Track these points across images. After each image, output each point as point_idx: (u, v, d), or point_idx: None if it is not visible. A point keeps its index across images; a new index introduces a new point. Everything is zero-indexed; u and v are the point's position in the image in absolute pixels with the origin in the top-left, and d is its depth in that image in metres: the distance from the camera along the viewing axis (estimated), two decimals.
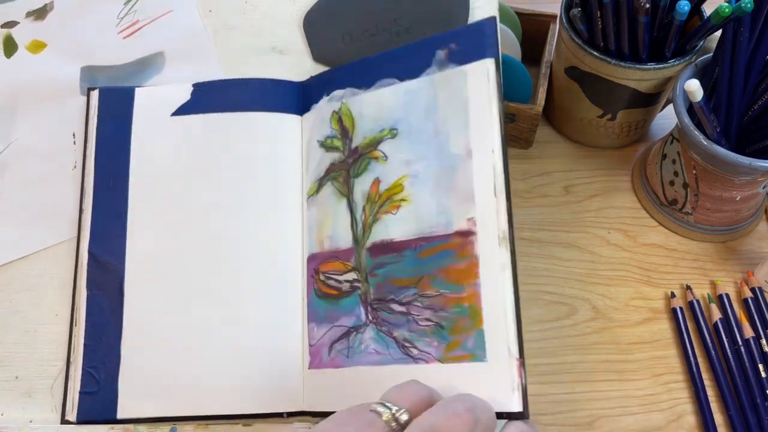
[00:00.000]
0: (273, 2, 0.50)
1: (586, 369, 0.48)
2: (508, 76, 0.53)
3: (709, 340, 0.48)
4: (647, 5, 0.45)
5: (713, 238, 0.53)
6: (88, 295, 0.43)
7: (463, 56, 0.40)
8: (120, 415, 0.40)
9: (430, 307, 0.37)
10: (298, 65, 0.48)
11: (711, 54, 0.49)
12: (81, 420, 0.41)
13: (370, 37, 0.48)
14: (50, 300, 0.44)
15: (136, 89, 0.47)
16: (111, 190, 0.44)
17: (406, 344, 0.37)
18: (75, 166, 0.46)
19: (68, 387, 0.41)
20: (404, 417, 0.28)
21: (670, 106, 0.51)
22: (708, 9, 0.48)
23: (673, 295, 0.50)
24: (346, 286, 0.40)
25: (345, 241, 0.41)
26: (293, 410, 0.40)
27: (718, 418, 0.45)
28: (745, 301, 0.49)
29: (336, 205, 0.42)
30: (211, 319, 0.41)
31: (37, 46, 0.50)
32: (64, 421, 0.41)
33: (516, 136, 0.57)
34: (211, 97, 0.46)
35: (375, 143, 0.41)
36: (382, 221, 0.40)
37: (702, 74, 0.49)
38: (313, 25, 0.48)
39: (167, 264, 0.43)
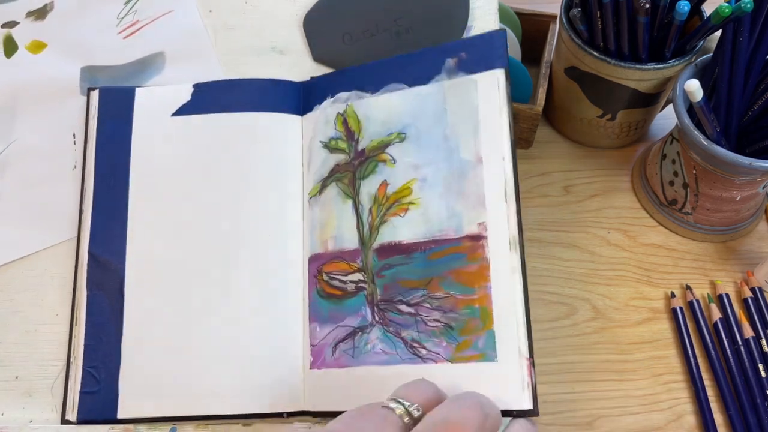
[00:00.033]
0: (273, 2, 0.50)
1: (586, 369, 0.48)
2: None
3: (708, 340, 0.48)
4: (647, 5, 0.45)
5: (713, 238, 0.53)
6: (88, 295, 0.43)
7: (472, 65, 0.41)
8: (120, 415, 0.40)
9: (440, 308, 0.38)
10: (298, 65, 0.48)
11: (711, 54, 0.49)
12: (81, 420, 0.41)
13: (370, 37, 0.48)
14: (50, 300, 0.44)
15: (137, 89, 0.47)
16: (111, 190, 0.44)
17: (415, 344, 0.38)
18: (75, 166, 0.46)
19: (68, 387, 0.41)
20: (417, 412, 0.29)
21: (670, 106, 0.51)
22: (708, 9, 0.48)
23: (673, 295, 0.50)
24: (351, 287, 0.40)
25: (350, 242, 0.41)
26: (293, 410, 0.40)
27: (718, 418, 0.45)
28: (745, 301, 0.49)
29: (341, 205, 0.42)
30: (211, 319, 0.41)
31: (37, 46, 0.50)
32: (64, 421, 0.41)
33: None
34: (211, 98, 0.46)
35: (383, 146, 0.42)
36: (390, 223, 0.40)
37: (702, 74, 0.50)
38: (313, 25, 0.49)
39: (167, 264, 0.43)
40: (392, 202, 0.41)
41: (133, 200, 0.44)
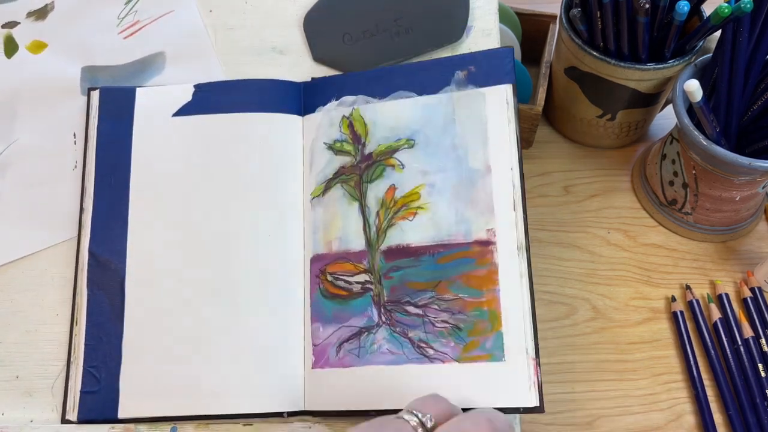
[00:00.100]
0: (273, 2, 0.50)
1: (586, 369, 0.48)
2: None
3: (708, 340, 0.48)
4: (647, 5, 0.45)
5: (713, 238, 0.53)
6: (88, 295, 0.43)
7: (481, 79, 0.43)
8: (121, 415, 0.40)
9: (448, 309, 0.39)
10: (298, 65, 0.48)
11: (710, 54, 0.49)
12: (82, 420, 0.41)
13: (370, 37, 0.48)
14: (51, 300, 0.44)
15: (137, 89, 0.47)
16: (112, 190, 0.44)
17: (422, 344, 0.39)
18: (75, 166, 0.47)
19: (69, 386, 0.41)
20: (430, 422, 0.30)
21: (670, 106, 0.51)
22: (707, 9, 0.49)
23: (674, 299, 0.50)
24: (357, 288, 0.41)
25: (356, 243, 0.41)
26: (293, 410, 0.40)
27: (718, 417, 0.45)
28: (745, 300, 0.50)
29: (347, 207, 0.42)
30: (212, 319, 0.41)
31: (37, 47, 0.50)
32: (64, 421, 0.41)
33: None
34: (212, 98, 0.46)
35: (391, 151, 0.43)
36: (398, 227, 0.41)
37: (701, 74, 0.50)
38: (313, 25, 0.49)
39: (168, 264, 0.43)
40: (400, 206, 0.42)
41: (133, 200, 0.44)
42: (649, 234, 0.54)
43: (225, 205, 0.43)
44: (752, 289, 0.50)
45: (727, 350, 0.47)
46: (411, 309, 0.39)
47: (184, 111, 0.46)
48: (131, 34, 0.50)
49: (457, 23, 0.47)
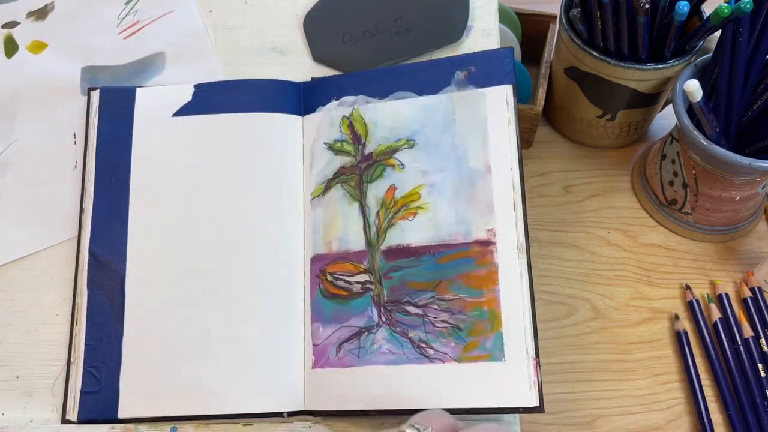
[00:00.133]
0: (273, 2, 0.50)
1: (586, 369, 0.48)
2: None
3: (708, 340, 0.48)
4: (647, 6, 0.45)
5: (713, 238, 0.53)
6: (88, 295, 0.43)
7: (481, 80, 0.43)
8: (121, 415, 0.40)
9: (448, 309, 0.39)
10: (299, 65, 0.48)
11: (710, 54, 0.49)
12: (82, 420, 0.41)
13: (370, 37, 0.48)
14: (51, 300, 0.44)
15: (137, 89, 0.47)
16: (112, 190, 0.44)
17: (422, 344, 0.39)
18: (75, 166, 0.47)
19: (69, 386, 0.41)
20: None
21: (670, 106, 0.51)
22: (707, 9, 0.49)
23: (677, 317, 0.49)
24: (357, 288, 0.41)
25: (357, 243, 0.41)
26: (293, 410, 0.40)
27: (718, 417, 0.45)
28: (745, 300, 0.50)
29: (347, 207, 0.42)
30: (212, 319, 0.41)
31: (37, 47, 0.50)
32: (64, 421, 0.41)
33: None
34: (212, 98, 0.46)
35: (391, 151, 0.43)
36: (398, 227, 0.41)
37: (701, 74, 0.50)
38: (313, 25, 0.49)
39: (168, 264, 0.43)
40: (400, 206, 0.42)
41: (133, 200, 0.44)
42: (649, 234, 0.54)
43: (225, 205, 0.43)
44: (752, 289, 0.50)
45: (727, 350, 0.47)
46: (411, 309, 0.39)
47: (184, 111, 0.46)
48: (131, 34, 0.50)
49: (457, 23, 0.47)
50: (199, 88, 0.46)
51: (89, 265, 0.43)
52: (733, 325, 0.48)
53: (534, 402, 0.36)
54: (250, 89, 0.46)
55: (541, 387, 0.36)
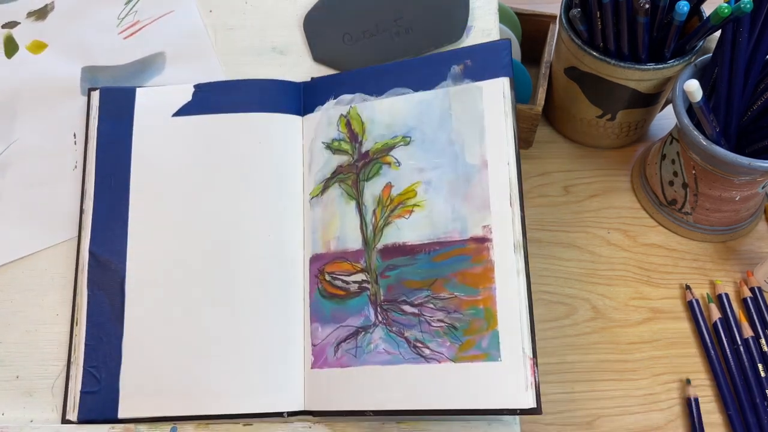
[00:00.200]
0: (273, 2, 0.50)
1: (586, 369, 0.48)
2: None
3: (708, 340, 0.48)
4: (647, 6, 0.45)
5: (713, 238, 0.53)
6: (88, 295, 0.43)
7: (478, 73, 0.42)
8: (121, 415, 0.40)
9: (444, 308, 0.38)
10: (298, 65, 0.48)
11: (710, 54, 0.49)
12: (82, 420, 0.41)
13: (370, 37, 0.48)
14: (51, 300, 0.44)
15: (137, 89, 0.47)
16: (112, 190, 0.44)
17: (418, 344, 0.38)
18: (75, 167, 0.47)
19: (69, 387, 0.41)
20: None
21: (670, 106, 0.51)
22: (707, 9, 0.49)
23: (689, 381, 0.46)
24: (354, 287, 0.41)
25: (354, 242, 0.41)
26: (293, 410, 0.40)
27: (718, 418, 0.45)
28: (745, 300, 0.50)
29: (344, 206, 0.42)
30: (212, 319, 0.41)
31: (37, 47, 0.50)
32: (64, 421, 0.41)
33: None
34: (212, 98, 0.46)
35: (387, 149, 0.42)
36: (394, 225, 0.41)
37: (701, 74, 0.50)
38: (313, 25, 0.49)
39: (168, 264, 0.43)
40: (396, 204, 0.41)
41: (133, 200, 0.44)
42: (649, 234, 0.54)
43: (225, 205, 0.43)
44: (752, 289, 0.50)
45: (727, 350, 0.47)
46: (407, 308, 0.39)
47: (184, 111, 0.46)
48: (131, 34, 0.50)
49: (457, 23, 0.47)
50: (199, 88, 0.46)
51: (89, 265, 0.43)
52: (733, 325, 0.48)
53: (531, 403, 0.35)
54: (250, 89, 0.46)
55: (539, 388, 0.35)
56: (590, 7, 0.49)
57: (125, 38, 0.49)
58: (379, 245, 0.41)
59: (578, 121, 0.57)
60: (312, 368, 0.40)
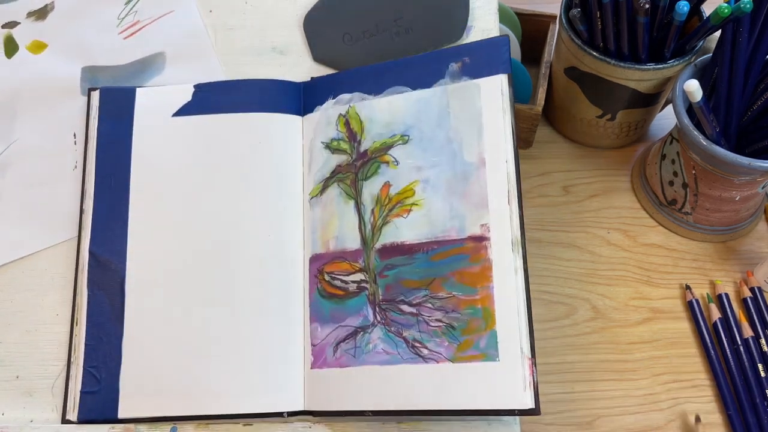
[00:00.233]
0: (273, 2, 0.50)
1: (586, 369, 0.48)
2: None
3: (708, 340, 0.48)
4: (647, 6, 0.45)
5: (713, 238, 0.53)
6: (88, 295, 0.43)
7: (476, 70, 0.42)
8: (121, 415, 0.40)
9: (442, 308, 0.38)
10: (298, 65, 0.48)
11: (710, 54, 0.49)
12: (82, 420, 0.41)
13: (370, 37, 0.48)
14: (51, 300, 0.44)
15: (137, 89, 0.47)
16: (112, 190, 0.44)
17: (416, 344, 0.38)
18: (75, 167, 0.47)
19: (69, 387, 0.42)
20: None
21: (670, 107, 0.51)
22: (707, 9, 0.49)
23: (698, 419, 0.44)
24: (353, 287, 0.41)
25: (352, 242, 0.41)
26: (293, 410, 0.40)
27: (718, 417, 0.45)
28: (745, 300, 0.49)
29: (343, 206, 0.42)
30: (212, 319, 0.41)
31: (37, 47, 0.50)
32: (64, 421, 0.41)
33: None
34: (212, 98, 0.46)
35: (385, 148, 0.42)
36: (393, 224, 0.41)
37: (701, 74, 0.50)
38: (313, 25, 0.49)
39: (168, 264, 0.43)
40: (395, 203, 0.41)
41: (133, 200, 0.44)
42: (649, 234, 0.54)
43: (225, 205, 0.43)
44: (752, 289, 0.50)
45: (727, 350, 0.47)
46: (405, 308, 0.39)
47: (184, 111, 0.46)
48: (131, 34, 0.50)
49: (457, 23, 0.47)
50: (199, 88, 0.46)
51: (89, 265, 0.43)
52: (733, 325, 0.48)
53: (529, 404, 0.35)
54: (250, 89, 0.46)
55: (537, 388, 0.35)
56: (590, 7, 0.49)
57: (125, 38, 0.49)
58: (378, 245, 0.41)
59: (578, 121, 0.57)
60: (312, 368, 0.40)
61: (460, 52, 0.43)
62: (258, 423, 0.40)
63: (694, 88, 0.43)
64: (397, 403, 0.37)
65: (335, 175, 0.43)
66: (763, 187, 0.49)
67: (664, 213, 0.54)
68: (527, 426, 0.45)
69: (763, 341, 0.47)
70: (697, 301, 0.49)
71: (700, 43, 0.50)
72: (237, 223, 0.43)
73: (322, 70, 0.48)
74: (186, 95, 0.46)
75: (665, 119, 0.60)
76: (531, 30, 0.60)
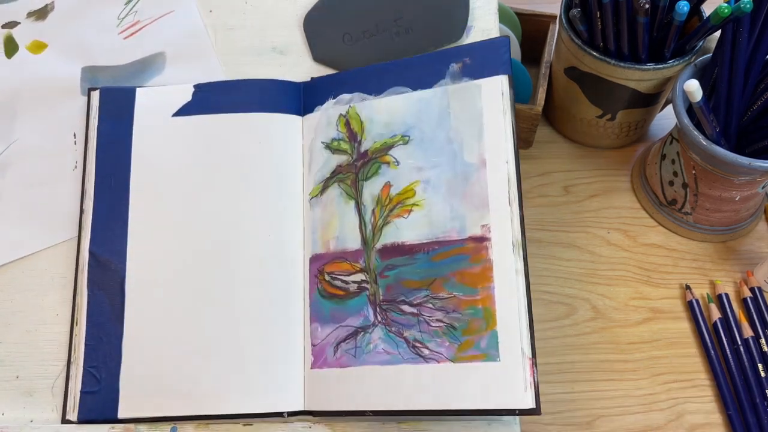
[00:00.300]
0: (273, 2, 0.50)
1: (586, 369, 0.48)
2: None
3: (708, 340, 0.48)
4: (647, 5, 0.45)
5: (713, 238, 0.53)
6: (88, 295, 0.43)
7: (476, 71, 0.42)
8: (121, 415, 0.40)
9: (443, 308, 0.38)
10: (298, 65, 0.48)
11: (710, 54, 0.49)
12: (82, 420, 0.41)
13: (370, 38, 0.48)
14: (51, 300, 0.44)
15: (137, 89, 0.47)
16: (112, 190, 0.44)
17: (417, 344, 0.38)
18: (75, 167, 0.47)
19: (69, 387, 0.42)
20: None
21: (670, 106, 0.51)
22: (707, 9, 0.49)
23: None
24: (353, 287, 0.41)
25: (353, 242, 0.41)
26: (293, 410, 0.40)
27: (718, 417, 0.45)
28: (745, 300, 0.50)
29: (343, 206, 0.42)
30: (212, 319, 0.41)
31: (37, 47, 0.50)
32: (64, 421, 0.41)
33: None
34: (212, 98, 0.46)
35: (386, 148, 0.42)
36: (393, 224, 0.41)
37: (701, 74, 0.50)
38: (313, 25, 0.49)
39: (168, 264, 0.43)
40: (395, 204, 0.41)
41: (133, 200, 0.44)
42: (649, 234, 0.54)
43: (225, 205, 0.43)
44: (752, 289, 0.50)
45: (727, 350, 0.47)
46: (406, 308, 0.39)
47: (184, 111, 0.46)
48: (131, 35, 0.50)
49: (457, 23, 0.47)
50: (199, 88, 0.46)
51: (89, 265, 0.43)
52: (733, 325, 0.48)
53: (530, 404, 0.35)
54: (250, 89, 0.46)
55: (538, 388, 0.35)
56: (590, 7, 0.49)
57: (125, 38, 0.49)
58: (378, 245, 0.41)
59: (578, 121, 0.57)
60: (312, 368, 0.40)
61: (461, 52, 0.43)
62: (258, 423, 0.40)
63: (694, 88, 0.43)
64: (398, 403, 0.37)
65: (335, 176, 0.43)
66: (763, 187, 0.49)
67: (664, 213, 0.54)
68: (527, 426, 0.45)
69: (763, 341, 0.47)
70: (697, 301, 0.49)
71: (700, 43, 0.50)
72: (237, 223, 0.43)
73: (322, 70, 0.48)
74: (186, 95, 0.46)
75: (665, 119, 0.60)
76: (531, 30, 0.60)
